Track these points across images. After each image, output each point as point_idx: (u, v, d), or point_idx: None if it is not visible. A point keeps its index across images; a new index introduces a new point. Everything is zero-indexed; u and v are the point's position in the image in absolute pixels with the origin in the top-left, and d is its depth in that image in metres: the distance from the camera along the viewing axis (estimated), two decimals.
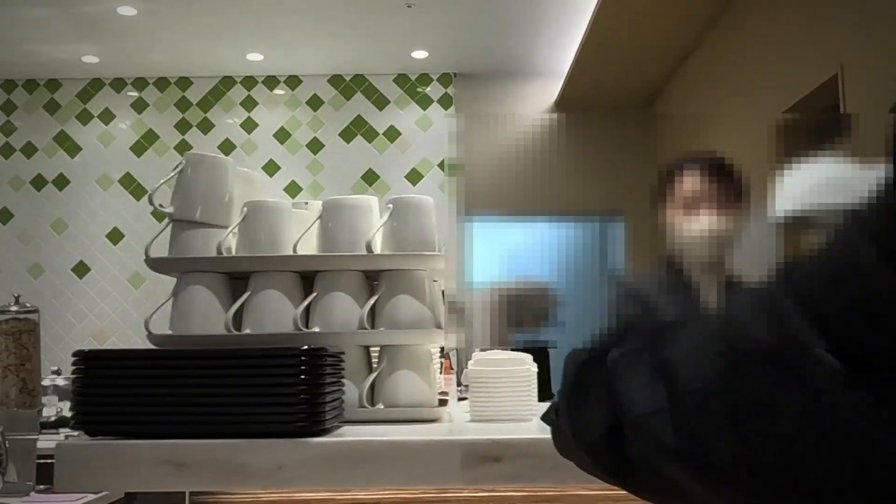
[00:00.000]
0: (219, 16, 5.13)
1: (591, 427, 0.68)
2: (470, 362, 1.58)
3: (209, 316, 1.36)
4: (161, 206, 1.40)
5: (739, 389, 0.51)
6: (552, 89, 6.06)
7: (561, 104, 6.10)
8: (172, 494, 4.29)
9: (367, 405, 1.36)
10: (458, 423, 1.36)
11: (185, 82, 6.17)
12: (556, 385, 1.49)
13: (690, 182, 2.19)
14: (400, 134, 6.14)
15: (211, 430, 1.12)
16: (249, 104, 6.17)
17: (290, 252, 1.38)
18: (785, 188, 1.00)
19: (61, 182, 6.10)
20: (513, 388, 1.33)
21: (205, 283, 1.37)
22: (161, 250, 1.40)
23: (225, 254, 1.37)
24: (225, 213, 1.41)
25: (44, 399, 2.84)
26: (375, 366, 1.41)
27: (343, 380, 1.28)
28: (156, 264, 1.37)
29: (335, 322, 1.36)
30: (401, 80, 6.18)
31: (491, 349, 1.40)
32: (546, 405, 0.82)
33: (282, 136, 6.12)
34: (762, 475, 0.50)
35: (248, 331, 1.36)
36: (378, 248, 1.39)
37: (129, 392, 1.13)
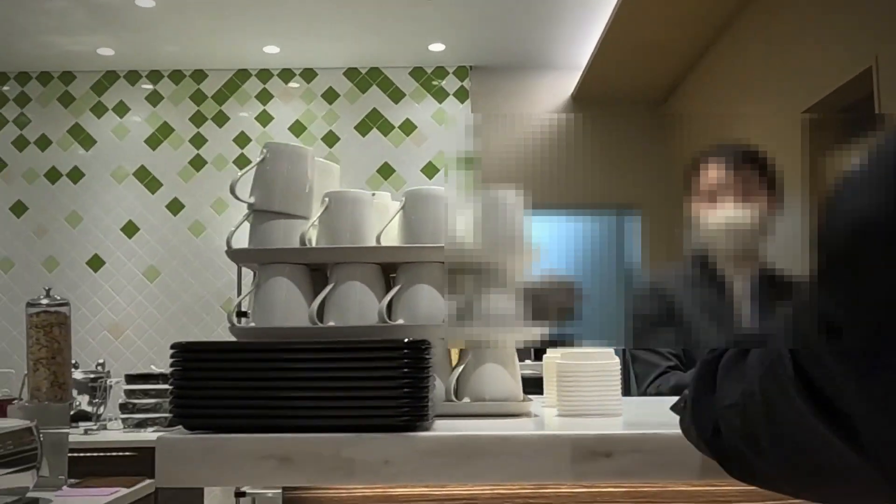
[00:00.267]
0: (235, 8, 5.10)
1: (703, 416, 0.86)
2: (546, 356, 1.56)
3: (291, 308, 1.33)
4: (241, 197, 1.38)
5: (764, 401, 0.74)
6: (569, 83, 6.03)
7: (578, 98, 6.08)
8: (193, 491, 4.28)
9: (453, 399, 1.34)
10: (546, 417, 1.34)
11: (200, 75, 6.14)
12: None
13: (714, 173, 2.16)
14: (416, 127, 6.11)
15: (313, 424, 1.09)
16: (265, 97, 6.14)
17: (374, 243, 1.36)
18: None
19: (76, 175, 6.07)
20: (602, 381, 1.31)
21: (286, 274, 1.35)
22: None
23: (307, 245, 1.35)
24: (305, 203, 1.39)
25: None
26: (458, 359, 1.40)
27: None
28: (238, 255, 1.35)
29: (420, 314, 1.34)
30: (416, 73, 6.15)
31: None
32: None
33: (297, 129, 6.09)
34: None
35: (331, 323, 1.34)
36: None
37: (229, 385, 1.11)
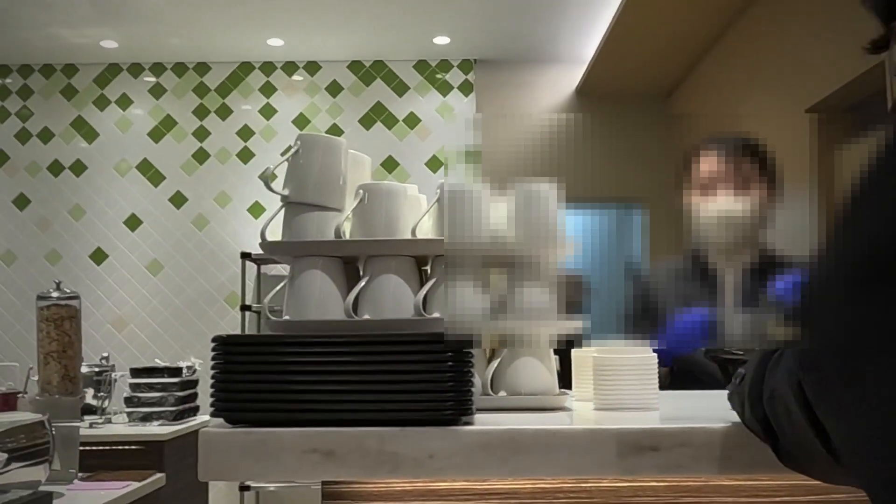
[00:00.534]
0: (239, 0, 5.08)
1: (755, 408, 0.93)
2: (575, 350, 1.55)
3: (326, 301, 1.32)
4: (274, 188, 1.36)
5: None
6: (573, 77, 6.02)
7: (582, 92, 6.07)
8: (198, 480, 4.28)
9: (490, 393, 1.33)
10: (582, 411, 1.33)
11: (203, 68, 6.11)
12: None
13: (708, 163, 2.15)
14: (420, 121, 6.09)
15: (356, 418, 1.08)
16: (268, 90, 6.12)
17: (409, 236, 1.35)
18: None
19: (78, 168, 6.05)
20: (640, 375, 1.30)
21: (321, 267, 1.34)
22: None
23: (341, 237, 1.34)
24: (339, 195, 1.38)
25: None
26: (491, 353, 1.39)
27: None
28: (272, 248, 1.34)
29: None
30: (420, 66, 6.13)
31: None
32: None
33: (301, 122, 6.07)
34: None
35: (366, 316, 1.32)
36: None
37: (272, 379, 1.10)
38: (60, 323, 2.88)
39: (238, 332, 5.61)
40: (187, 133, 6.08)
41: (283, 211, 1.37)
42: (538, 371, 1.35)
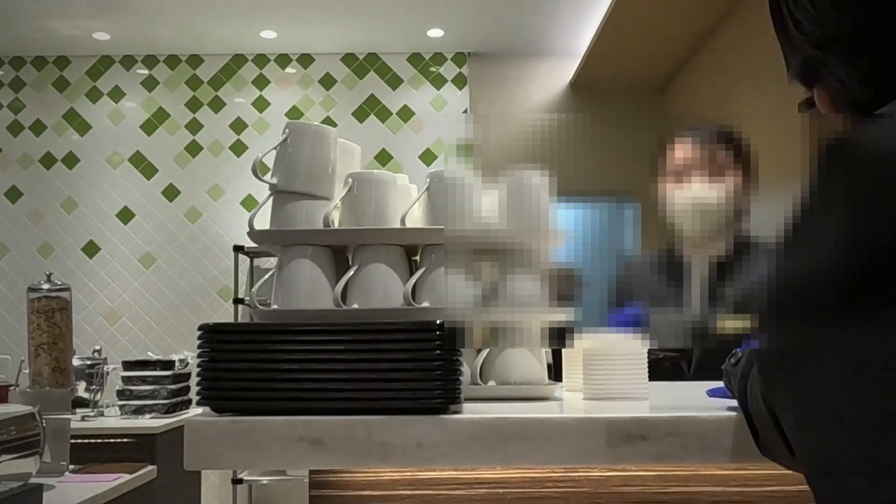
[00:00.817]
0: None
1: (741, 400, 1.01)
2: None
3: (315, 290, 1.31)
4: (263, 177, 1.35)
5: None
6: (567, 70, 6.01)
7: (576, 86, 6.06)
8: (192, 474, 4.25)
9: (479, 382, 1.33)
10: (572, 401, 1.32)
11: (196, 60, 6.09)
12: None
13: (681, 150, 2.13)
14: (413, 114, 6.08)
15: (344, 407, 1.08)
16: (261, 83, 6.10)
17: (398, 225, 1.34)
18: None
19: (71, 160, 6.02)
20: (630, 365, 1.30)
21: (309, 256, 1.33)
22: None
23: (330, 226, 1.33)
24: (328, 184, 1.37)
25: None
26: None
27: None
28: (260, 236, 1.33)
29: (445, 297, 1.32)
30: (414, 59, 6.12)
31: None
32: None
33: (294, 115, 6.05)
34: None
35: (355, 305, 1.32)
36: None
37: (259, 367, 1.09)
38: (51, 315, 2.87)
39: None
40: (180, 125, 6.06)
41: (271, 200, 1.37)
42: (528, 361, 1.35)
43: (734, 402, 1.05)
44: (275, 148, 1.37)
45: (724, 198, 2.07)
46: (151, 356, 4.15)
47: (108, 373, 4.09)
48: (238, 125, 6.06)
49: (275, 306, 1.32)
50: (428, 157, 6.02)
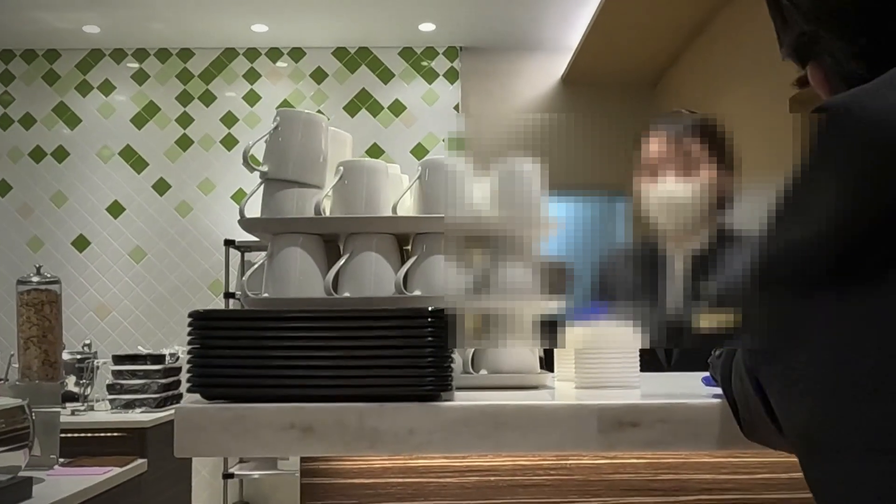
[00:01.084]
0: None
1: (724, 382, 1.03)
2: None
3: (306, 278, 1.31)
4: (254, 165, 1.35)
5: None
6: (559, 65, 6.01)
7: (568, 80, 6.05)
8: (183, 468, 4.25)
9: (471, 371, 1.33)
10: (564, 390, 1.32)
11: (186, 53, 6.07)
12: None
13: (654, 145, 2.11)
14: (405, 108, 6.07)
15: (335, 394, 1.07)
16: (252, 76, 6.08)
17: (390, 213, 1.34)
18: None
19: (60, 154, 5.99)
20: (621, 354, 1.30)
21: (300, 244, 1.32)
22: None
23: (321, 214, 1.33)
24: (320, 172, 1.36)
25: None
26: None
27: None
28: (251, 224, 1.32)
29: (437, 285, 1.32)
30: (406, 53, 6.11)
31: None
32: None
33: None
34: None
35: (346, 294, 1.31)
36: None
37: (250, 354, 1.09)
38: (41, 307, 2.86)
39: None
40: (170, 119, 6.04)
41: (262, 188, 1.36)
42: (519, 350, 1.34)
43: None
44: (265, 137, 1.36)
45: (698, 192, 2.04)
46: (142, 350, 4.14)
47: (98, 367, 4.08)
48: (229, 119, 6.04)
49: (265, 295, 1.31)
50: (419, 151, 6.01)
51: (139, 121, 6.03)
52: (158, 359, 4.04)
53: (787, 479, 1.18)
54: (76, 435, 3.57)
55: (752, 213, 2.08)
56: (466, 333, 1.37)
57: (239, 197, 5.94)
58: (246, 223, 1.32)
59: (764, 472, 1.19)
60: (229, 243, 5.54)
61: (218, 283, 5.85)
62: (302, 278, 1.31)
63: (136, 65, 6.07)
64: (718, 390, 1.11)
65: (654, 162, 2.09)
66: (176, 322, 5.84)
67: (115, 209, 5.97)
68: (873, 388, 0.68)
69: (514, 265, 1.33)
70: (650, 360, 1.85)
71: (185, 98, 6.05)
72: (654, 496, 1.19)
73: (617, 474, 1.18)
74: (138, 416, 3.83)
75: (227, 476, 5.30)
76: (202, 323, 1.10)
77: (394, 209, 1.34)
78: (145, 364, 4.03)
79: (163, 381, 4.02)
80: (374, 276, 1.32)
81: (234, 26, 5.70)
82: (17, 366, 2.81)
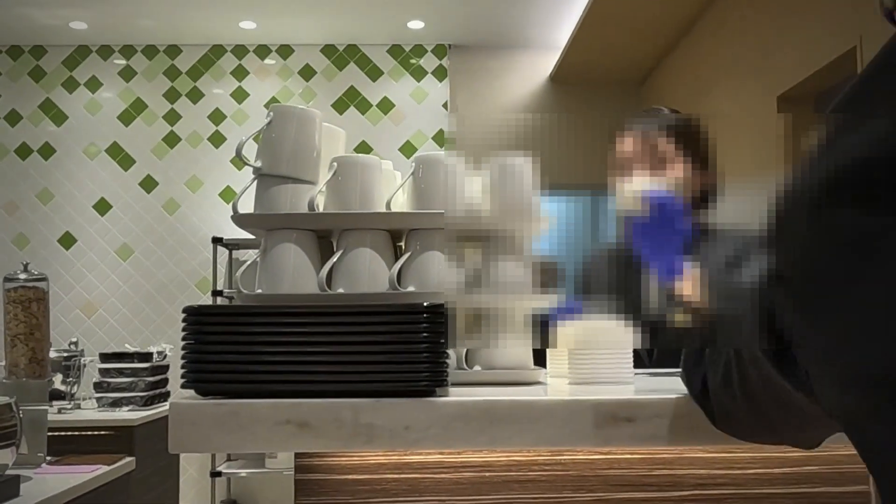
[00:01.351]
0: None
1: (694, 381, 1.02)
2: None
3: (300, 275, 1.30)
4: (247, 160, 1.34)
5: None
6: (548, 63, 6.01)
7: (556, 79, 6.06)
8: (171, 466, 4.23)
9: (465, 367, 1.32)
10: (558, 386, 1.32)
11: (174, 50, 6.04)
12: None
13: (626, 143, 2.12)
14: (394, 106, 6.06)
15: (330, 390, 1.07)
16: (240, 73, 6.06)
17: (384, 209, 1.34)
18: None
19: (47, 151, 5.96)
20: (614, 351, 1.30)
21: (294, 240, 1.32)
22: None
23: (315, 210, 1.32)
24: (313, 168, 1.36)
25: None
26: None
27: None
28: (243, 220, 1.32)
29: (431, 282, 1.32)
30: (394, 50, 6.10)
31: None
32: None
33: None
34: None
35: (340, 290, 1.31)
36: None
37: (245, 350, 1.08)
38: (28, 305, 2.84)
39: None
40: (158, 116, 6.01)
41: (255, 184, 1.35)
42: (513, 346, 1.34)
43: None
44: (258, 132, 1.35)
45: (666, 188, 2.05)
46: (129, 348, 4.12)
47: (84, 365, 4.05)
48: (217, 116, 6.02)
49: (259, 291, 1.31)
50: (408, 149, 6.00)
51: (126, 118, 6.00)
52: (146, 357, 4.02)
53: (780, 475, 1.19)
54: (63, 433, 3.56)
55: (735, 211, 2.09)
56: (459, 332, 1.37)
57: (227, 194, 5.92)
58: (239, 219, 1.32)
59: (757, 466, 1.19)
60: (217, 241, 5.52)
61: (206, 280, 5.83)
62: (296, 274, 1.30)
63: (123, 61, 6.04)
64: None
65: (625, 159, 2.11)
66: (163, 320, 5.82)
67: (102, 206, 5.94)
68: None
69: (508, 261, 1.33)
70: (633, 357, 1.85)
71: (172, 95, 6.03)
72: (648, 491, 1.19)
73: (611, 469, 1.18)
74: (126, 415, 3.82)
75: (215, 474, 5.28)
76: (196, 318, 1.10)
77: (388, 205, 1.34)
78: (132, 362, 4.01)
79: (150, 379, 4.00)
80: (369, 272, 1.31)
81: (222, 23, 5.68)
82: (3, 363, 2.80)
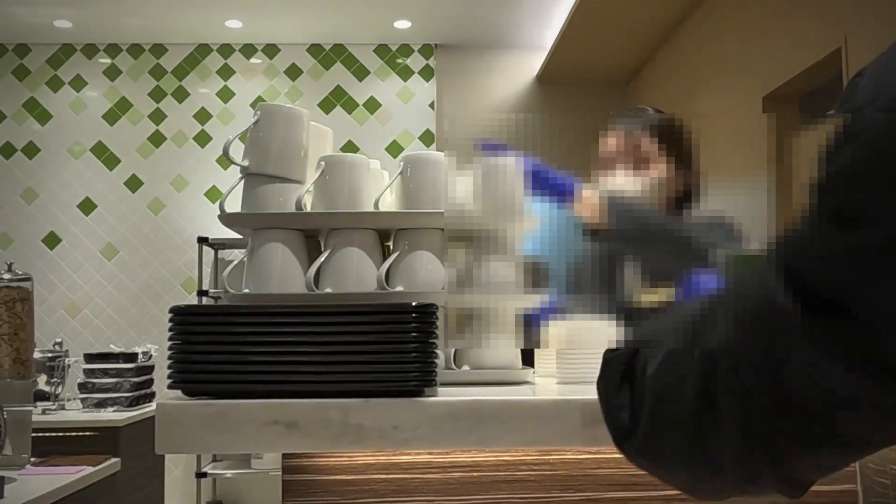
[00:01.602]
0: None
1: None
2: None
3: (287, 274, 1.30)
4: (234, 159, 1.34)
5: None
6: (534, 63, 6.02)
7: (543, 79, 6.07)
8: (156, 467, 4.21)
9: (453, 367, 1.32)
10: (546, 385, 1.32)
11: (159, 49, 6.01)
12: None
13: (609, 141, 2.13)
14: (380, 105, 6.06)
15: (319, 390, 1.07)
16: (226, 73, 6.03)
17: (371, 208, 1.33)
18: None
19: (31, 150, 5.92)
20: (602, 350, 1.30)
21: (282, 239, 1.31)
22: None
23: (303, 210, 1.32)
24: (301, 167, 1.35)
25: None
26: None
27: None
28: (231, 220, 1.31)
29: (419, 281, 1.32)
30: (381, 50, 6.09)
31: None
32: None
33: None
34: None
35: (328, 290, 1.30)
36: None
37: (232, 350, 1.08)
38: (12, 305, 2.83)
39: None
40: (143, 115, 5.98)
41: (242, 183, 1.35)
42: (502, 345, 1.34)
43: None
44: (245, 131, 1.35)
45: (647, 188, 2.06)
46: (114, 349, 4.10)
47: (69, 366, 4.03)
48: (202, 115, 5.99)
49: (246, 291, 1.30)
50: (395, 148, 6.00)
51: (111, 117, 5.97)
52: (131, 357, 4.00)
53: None
54: (48, 434, 3.54)
55: (720, 209, 2.10)
56: (450, 331, 1.37)
57: (212, 194, 5.90)
58: (226, 218, 1.31)
59: None
60: (203, 240, 5.50)
61: (191, 280, 5.81)
62: (283, 274, 1.30)
63: (108, 60, 6.00)
64: None
65: (608, 157, 2.12)
66: (148, 320, 5.79)
67: (87, 206, 5.91)
68: None
69: (497, 261, 1.33)
70: None
71: (157, 94, 6.00)
72: (635, 490, 1.19)
73: (599, 469, 1.18)
74: (111, 415, 3.80)
75: (201, 475, 5.26)
76: (183, 318, 1.09)
77: (376, 205, 1.33)
78: (117, 362, 3.99)
79: (135, 379, 3.98)
80: (356, 272, 1.31)
81: (208, 22, 5.66)
82: None
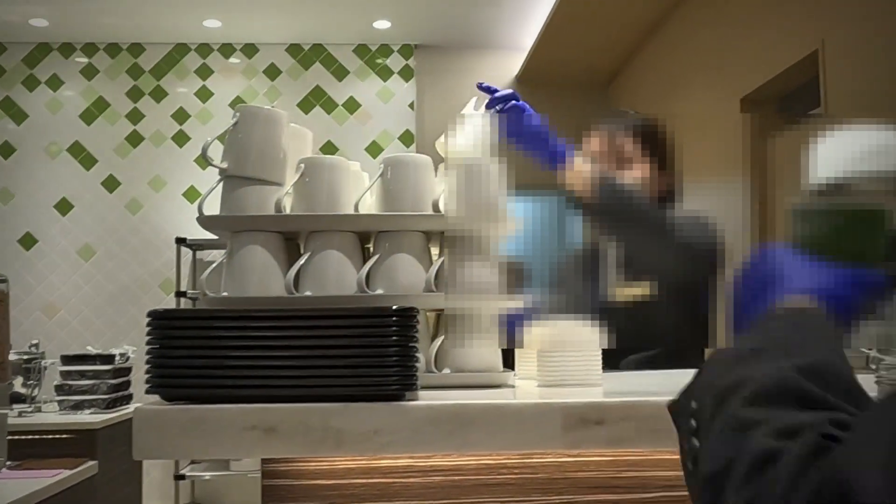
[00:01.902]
0: None
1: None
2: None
3: (266, 277, 1.29)
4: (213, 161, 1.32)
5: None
6: (514, 63, 6.02)
7: (522, 79, 6.07)
8: (133, 470, 4.18)
9: (433, 370, 1.32)
10: (526, 388, 1.32)
11: (137, 48, 5.97)
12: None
13: (591, 142, 2.14)
14: (360, 105, 6.04)
15: (298, 395, 1.06)
16: (204, 72, 6.00)
17: (352, 211, 1.32)
18: (824, 154, 0.98)
19: (6, 150, 5.86)
20: (584, 352, 1.30)
21: (261, 242, 1.30)
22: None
23: (282, 212, 1.31)
24: (280, 169, 1.34)
25: None
26: (436, 330, 1.37)
27: None
28: (209, 222, 1.30)
29: (399, 284, 1.31)
30: (360, 50, 6.08)
31: None
32: None
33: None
34: None
35: (308, 293, 1.30)
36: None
37: (210, 354, 1.07)
38: None
39: None
40: (120, 115, 5.94)
41: (221, 185, 1.34)
42: (482, 348, 1.34)
43: None
44: (224, 133, 1.34)
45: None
46: (91, 350, 4.06)
47: (45, 368, 3.99)
48: (180, 115, 5.96)
49: (224, 294, 1.29)
50: (374, 149, 5.98)
51: (88, 116, 5.92)
52: (108, 359, 3.97)
53: None
54: (24, 437, 3.50)
55: (699, 208, 2.12)
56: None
57: (190, 194, 5.86)
58: (205, 221, 1.30)
59: None
60: (181, 241, 5.47)
61: (169, 281, 5.77)
62: (262, 277, 1.29)
63: (85, 59, 5.96)
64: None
65: (589, 158, 2.12)
66: (126, 322, 5.74)
67: (64, 206, 5.86)
68: None
69: (476, 264, 1.33)
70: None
71: (135, 94, 5.96)
72: (617, 493, 1.19)
73: (580, 472, 1.18)
74: (87, 418, 3.76)
75: (179, 477, 5.23)
76: (161, 322, 1.08)
77: (356, 207, 1.33)
78: (94, 364, 3.96)
79: (112, 381, 3.95)
80: (336, 275, 1.30)
81: (186, 21, 5.63)
82: None
